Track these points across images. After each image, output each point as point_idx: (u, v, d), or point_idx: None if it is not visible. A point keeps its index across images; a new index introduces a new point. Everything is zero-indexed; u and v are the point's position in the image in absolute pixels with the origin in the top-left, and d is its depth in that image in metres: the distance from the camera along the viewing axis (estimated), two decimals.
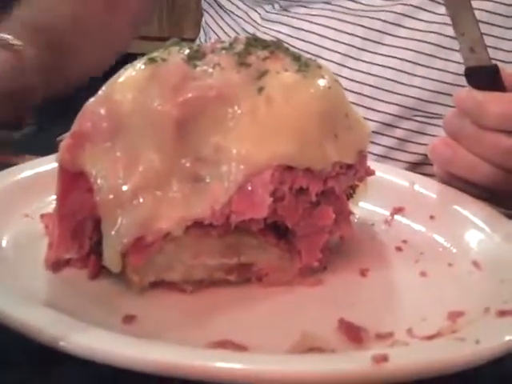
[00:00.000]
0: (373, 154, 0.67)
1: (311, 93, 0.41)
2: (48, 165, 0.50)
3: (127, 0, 0.79)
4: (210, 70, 0.41)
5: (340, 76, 0.68)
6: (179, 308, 0.40)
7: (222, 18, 0.79)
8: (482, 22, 0.66)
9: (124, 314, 0.38)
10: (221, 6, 0.80)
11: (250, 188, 0.39)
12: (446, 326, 0.39)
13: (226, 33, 0.78)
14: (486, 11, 0.67)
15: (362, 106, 0.68)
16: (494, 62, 0.50)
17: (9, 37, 0.65)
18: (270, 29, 0.72)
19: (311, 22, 0.70)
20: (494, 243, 0.47)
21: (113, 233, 0.40)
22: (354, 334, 0.37)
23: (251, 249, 0.42)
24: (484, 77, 0.48)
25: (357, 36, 0.68)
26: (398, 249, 0.49)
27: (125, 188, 0.40)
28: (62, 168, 0.42)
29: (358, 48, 0.68)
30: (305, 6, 0.71)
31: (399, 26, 0.67)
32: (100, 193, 0.40)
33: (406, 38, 0.68)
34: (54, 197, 0.44)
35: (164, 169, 0.40)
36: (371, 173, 0.48)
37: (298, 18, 0.71)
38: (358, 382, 0.32)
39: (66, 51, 0.70)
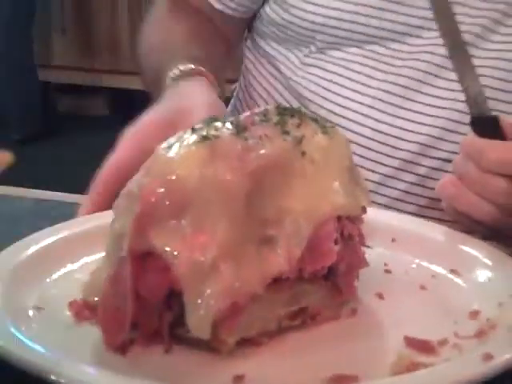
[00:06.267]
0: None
1: (340, 151, 0.48)
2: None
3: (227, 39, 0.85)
4: (260, 141, 0.45)
5: (369, 117, 0.74)
6: (276, 361, 0.44)
7: (262, 64, 0.84)
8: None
9: (233, 374, 0.41)
10: (260, 52, 0.84)
11: (317, 240, 0.45)
12: (476, 324, 0.47)
13: (264, 77, 0.83)
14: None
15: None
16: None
17: (192, 67, 0.70)
18: (306, 72, 0.77)
19: (346, 68, 0.75)
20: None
21: (199, 301, 0.42)
22: (424, 346, 0.44)
23: (308, 294, 0.47)
24: (486, 126, 0.55)
25: (388, 82, 0.73)
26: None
27: (204, 259, 0.43)
28: (132, 254, 0.43)
29: (389, 92, 0.73)
30: (339, 50, 0.75)
31: (424, 83, 0.72)
32: (179, 267, 0.43)
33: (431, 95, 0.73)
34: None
35: (237, 236, 0.44)
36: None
37: (333, 63, 0.76)
38: (476, 380, 0.39)
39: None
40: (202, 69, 0.70)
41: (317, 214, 0.45)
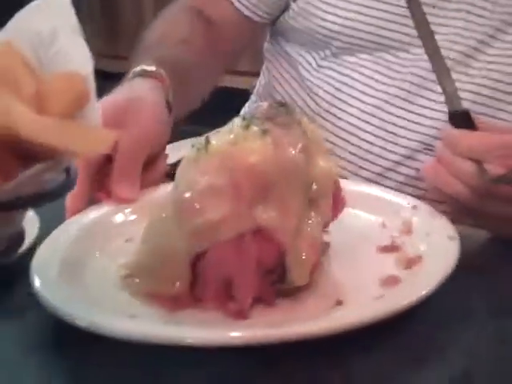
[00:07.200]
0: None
1: (317, 129, 0.64)
2: None
3: (226, 49, 0.93)
4: (286, 129, 0.58)
5: (375, 116, 0.83)
6: (340, 284, 0.60)
7: (281, 64, 0.94)
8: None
9: (334, 300, 0.56)
10: (280, 53, 0.92)
11: (336, 195, 0.61)
12: (392, 229, 0.67)
13: (283, 77, 0.94)
14: None
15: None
16: None
17: (153, 69, 0.76)
18: (321, 73, 0.89)
19: (357, 72, 0.84)
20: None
21: (300, 258, 0.55)
22: (394, 247, 0.63)
23: None
24: (460, 119, 0.67)
25: (394, 86, 0.83)
26: None
27: (294, 225, 0.55)
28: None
29: (394, 95, 0.83)
30: (352, 55, 0.87)
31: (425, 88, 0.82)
32: (282, 235, 0.54)
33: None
34: None
35: (303, 204, 0.57)
36: None
37: (345, 67, 0.87)
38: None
39: (184, 82, 0.81)
40: (162, 72, 0.77)
41: (331, 177, 0.61)
